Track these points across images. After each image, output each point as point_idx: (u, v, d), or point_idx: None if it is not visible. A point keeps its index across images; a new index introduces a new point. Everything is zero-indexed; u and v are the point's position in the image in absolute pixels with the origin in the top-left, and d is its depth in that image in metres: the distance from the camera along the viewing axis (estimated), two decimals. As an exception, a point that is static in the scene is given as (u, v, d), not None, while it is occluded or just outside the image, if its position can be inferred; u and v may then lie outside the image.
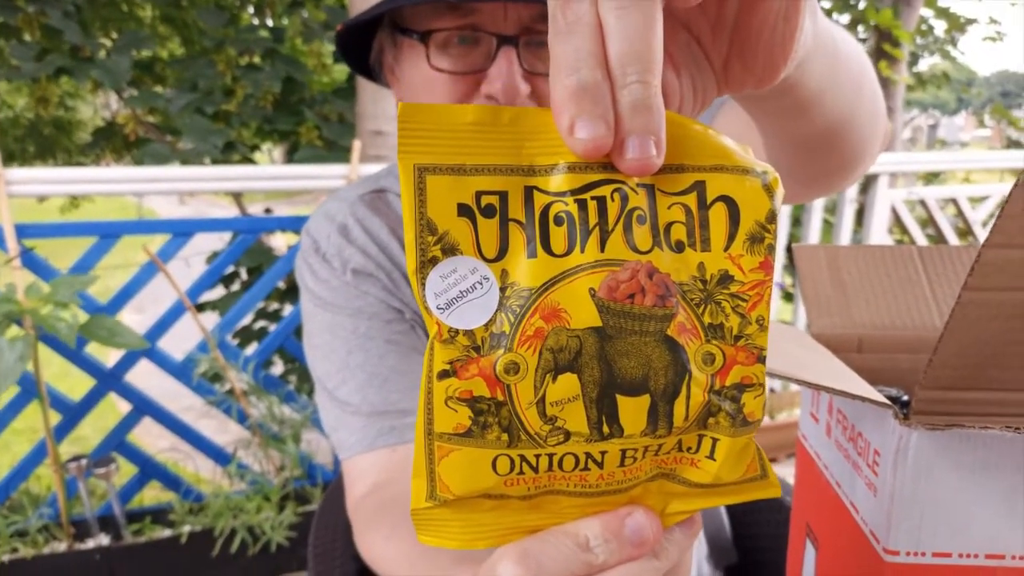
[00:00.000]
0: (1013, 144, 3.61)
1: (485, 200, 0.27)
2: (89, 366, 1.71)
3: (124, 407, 1.81)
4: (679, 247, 0.28)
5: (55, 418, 1.69)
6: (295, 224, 1.82)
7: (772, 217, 0.28)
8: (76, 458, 1.65)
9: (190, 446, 1.85)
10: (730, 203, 0.28)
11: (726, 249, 0.28)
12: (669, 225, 0.28)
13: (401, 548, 0.55)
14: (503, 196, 0.28)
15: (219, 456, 1.86)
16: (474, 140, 0.28)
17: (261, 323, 2.76)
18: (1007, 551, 0.37)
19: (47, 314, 1.56)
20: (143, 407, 1.78)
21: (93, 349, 1.72)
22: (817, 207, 2.34)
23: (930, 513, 0.37)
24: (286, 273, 1.92)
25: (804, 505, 0.51)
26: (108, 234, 1.69)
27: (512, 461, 0.28)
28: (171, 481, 1.82)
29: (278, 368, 2.47)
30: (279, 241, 2.49)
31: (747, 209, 0.28)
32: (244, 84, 2.54)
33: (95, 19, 3.38)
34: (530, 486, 0.29)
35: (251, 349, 2.19)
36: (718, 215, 0.28)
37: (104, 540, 1.69)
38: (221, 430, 2.13)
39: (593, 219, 0.27)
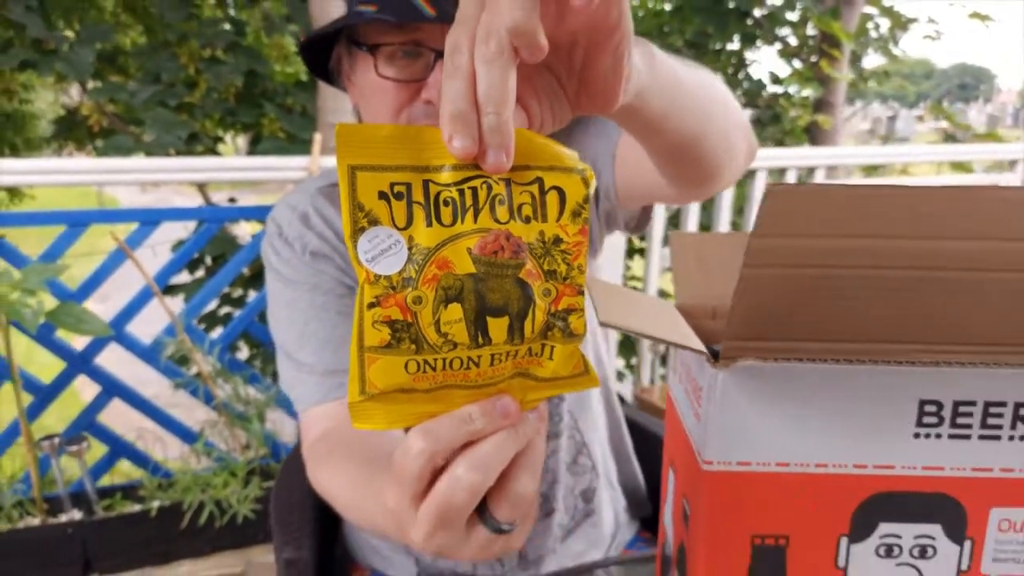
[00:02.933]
0: (949, 138, 3.81)
1: (396, 188, 0.39)
2: (59, 349, 1.79)
3: (86, 393, 1.89)
4: (527, 219, 0.41)
5: (27, 399, 1.77)
6: (258, 213, 1.91)
7: (587, 200, 0.42)
8: (49, 437, 1.73)
9: (158, 426, 1.94)
10: (560, 191, 0.41)
11: (557, 220, 0.41)
12: (520, 205, 0.41)
13: (345, 479, 0.67)
14: (408, 186, 0.40)
15: (186, 435, 1.94)
16: (388, 149, 0.40)
17: (226, 309, 2.83)
18: (791, 460, 0.49)
19: (15, 300, 1.63)
20: (112, 389, 1.86)
21: (62, 333, 1.79)
22: (725, 207, 2.43)
23: (733, 432, 0.49)
24: (250, 260, 2.01)
25: (669, 443, 0.63)
26: (76, 223, 1.76)
27: (419, 364, 0.40)
28: (140, 459, 1.91)
29: (243, 353, 2.56)
30: (243, 230, 2.56)
31: (571, 194, 0.41)
32: (207, 77, 2.60)
33: (57, 8, 3.40)
34: (431, 382, 0.40)
35: (216, 334, 2.27)
36: (552, 198, 0.41)
37: (76, 515, 1.77)
38: (188, 411, 2.21)
39: (469, 201, 0.40)
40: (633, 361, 2.81)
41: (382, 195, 0.39)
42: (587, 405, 0.98)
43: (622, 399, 1.12)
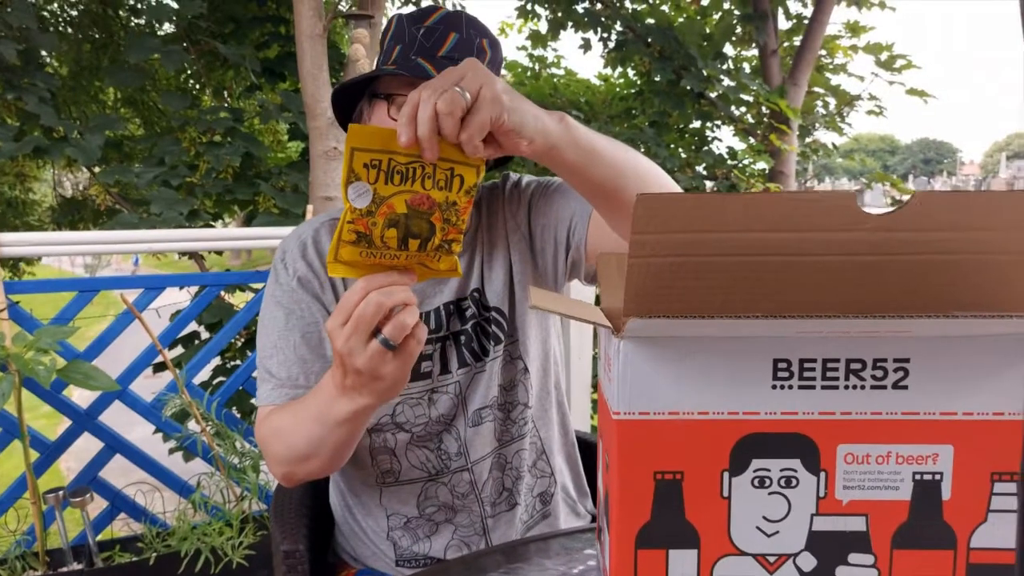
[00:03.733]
0: (897, 203, 4.05)
1: (374, 161, 0.68)
2: (66, 408, 1.91)
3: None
4: (441, 189, 0.71)
5: (33, 456, 1.88)
6: (255, 278, 2.07)
7: (476, 184, 0.73)
8: (54, 490, 1.83)
9: (157, 480, 2.04)
10: (461, 177, 0.72)
11: (457, 192, 0.72)
12: (438, 180, 0.70)
13: (285, 410, 0.94)
14: (380, 160, 0.69)
15: (183, 489, 2.04)
16: (374, 140, 0.69)
17: (220, 378, 2.96)
18: (679, 409, 0.64)
19: (29, 359, 1.76)
20: (115, 445, 1.97)
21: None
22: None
23: (634, 388, 0.64)
24: (244, 325, 2.16)
25: (600, 422, 0.78)
26: (86, 289, 1.92)
27: (367, 253, 0.71)
28: (140, 513, 2.00)
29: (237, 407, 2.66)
30: (237, 299, 2.72)
31: (467, 180, 0.73)
32: (207, 159, 2.81)
33: (63, 101, 3.64)
34: (372, 261, 0.73)
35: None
36: (456, 180, 0.70)
37: (76, 567, 1.85)
38: (185, 464, 2.31)
39: (409, 172, 0.70)
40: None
41: (365, 165, 0.68)
42: (548, 420, 1.13)
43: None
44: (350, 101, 1.06)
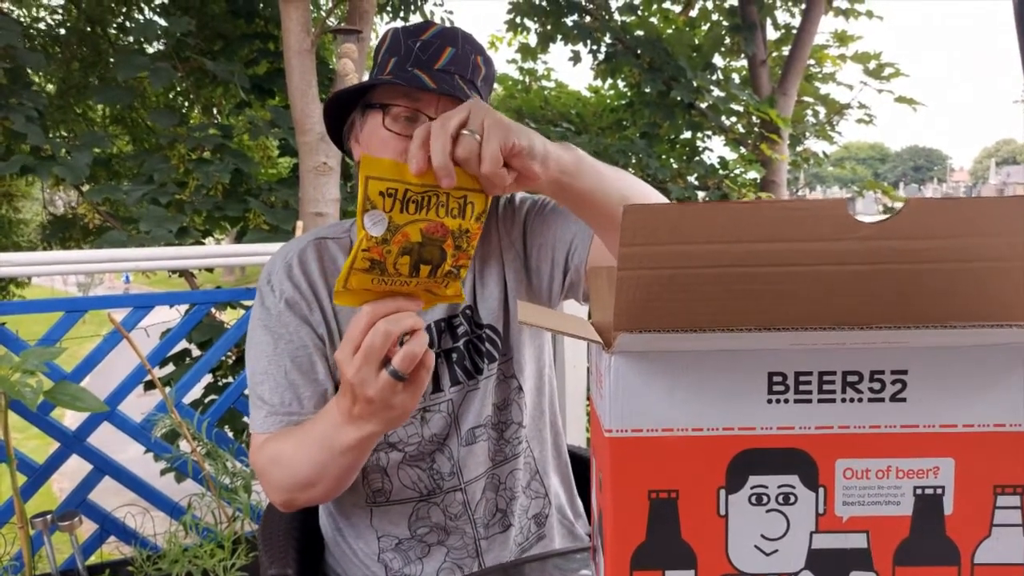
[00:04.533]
0: (889, 210, 4.08)
1: (389, 190, 0.70)
2: (54, 430, 1.88)
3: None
4: (454, 216, 0.73)
5: (21, 479, 1.84)
6: (243, 296, 2.05)
7: (486, 210, 0.75)
8: (42, 514, 1.80)
9: (147, 502, 2.01)
10: (473, 204, 0.71)
11: (469, 219, 0.74)
12: (451, 208, 0.71)
13: (286, 437, 0.94)
14: (396, 190, 0.70)
15: (174, 510, 2.01)
16: (388, 170, 0.69)
17: (211, 396, 2.93)
18: (673, 425, 0.63)
19: (15, 381, 1.73)
20: (104, 467, 1.94)
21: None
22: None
23: (626, 405, 0.62)
24: (235, 342, 2.13)
25: (593, 439, 0.76)
26: (72, 310, 1.89)
27: (379, 280, 0.72)
28: (130, 536, 1.97)
29: (228, 426, 2.63)
30: (227, 316, 2.69)
31: (478, 206, 0.74)
32: (196, 176, 2.80)
33: (51, 119, 3.63)
34: (382, 287, 0.73)
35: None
36: (469, 208, 0.71)
37: (65, 593, 1.81)
38: (177, 485, 2.27)
39: (424, 201, 0.70)
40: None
41: (380, 193, 0.69)
42: (542, 439, 1.11)
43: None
44: (342, 113, 1.05)
